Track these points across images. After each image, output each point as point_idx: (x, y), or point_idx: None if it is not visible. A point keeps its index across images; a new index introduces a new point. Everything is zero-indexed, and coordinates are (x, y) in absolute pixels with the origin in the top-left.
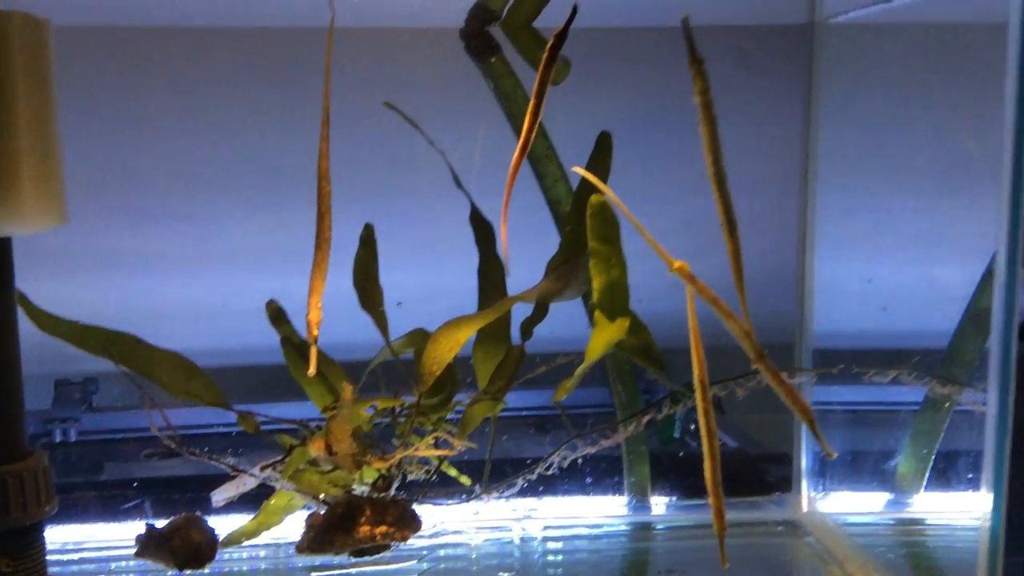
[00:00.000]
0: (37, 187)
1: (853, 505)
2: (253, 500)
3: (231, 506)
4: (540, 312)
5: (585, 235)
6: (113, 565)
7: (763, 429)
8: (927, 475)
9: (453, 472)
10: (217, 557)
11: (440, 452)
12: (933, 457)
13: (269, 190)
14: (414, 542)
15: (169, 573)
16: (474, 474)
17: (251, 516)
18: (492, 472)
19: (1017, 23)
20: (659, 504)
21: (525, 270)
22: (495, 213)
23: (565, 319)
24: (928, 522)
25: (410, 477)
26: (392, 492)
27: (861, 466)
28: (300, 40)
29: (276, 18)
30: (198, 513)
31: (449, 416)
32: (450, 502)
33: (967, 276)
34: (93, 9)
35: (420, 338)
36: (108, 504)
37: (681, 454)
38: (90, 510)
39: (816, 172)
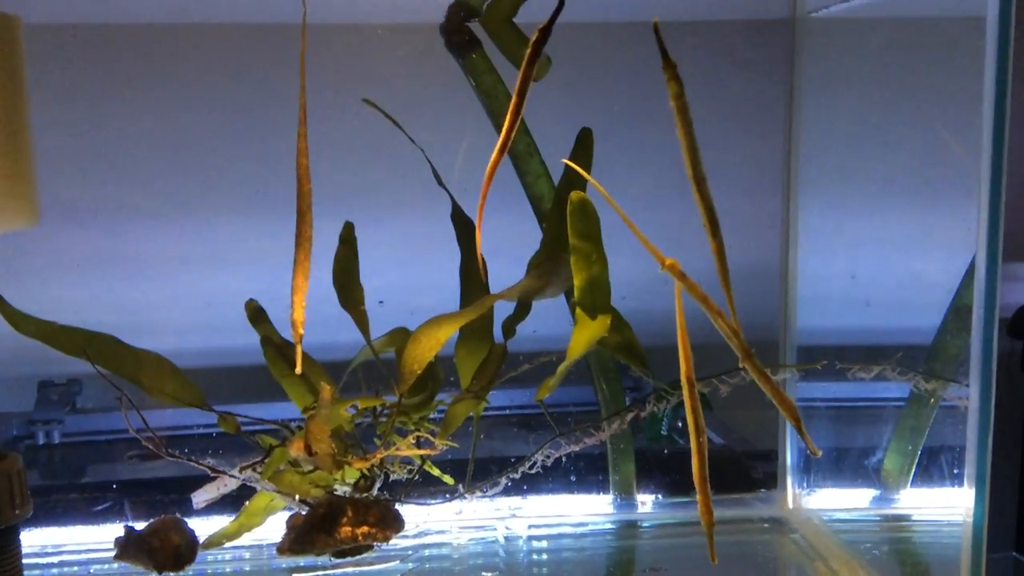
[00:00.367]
0: (6, 186)
1: (838, 501)
2: (235, 501)
3: (213, 507)
4: (522, 310)
5: (566, 232)
6: (93, 568)
7: (748, 426)
8: (912, 471)
9: (436, 471)
10: (199, 559)
11: (422, 451)
12: (919, 453)
13: (252, 189)
14: (397, 542)
15: (151, 575)
16: (458, 474)
17: (233, 517)
18: (477, 471)
19: (995, 17)
20: (645, 502)
21: (508, 268)
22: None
23: (549, 317)
24: (914, 518)
25: (393, 477)
26: (374, 492)
27: (846, 463)
28: (284, 36)
29: (260, 14)
30: (177, 515)
31: (432, 415)
32: (433, 502)
33: (951, 271)
34: (73, 6)
35: (401, 337)
36: (90, 506)
37: (666, 451)
38: (71, 512)
39: (799, 168)
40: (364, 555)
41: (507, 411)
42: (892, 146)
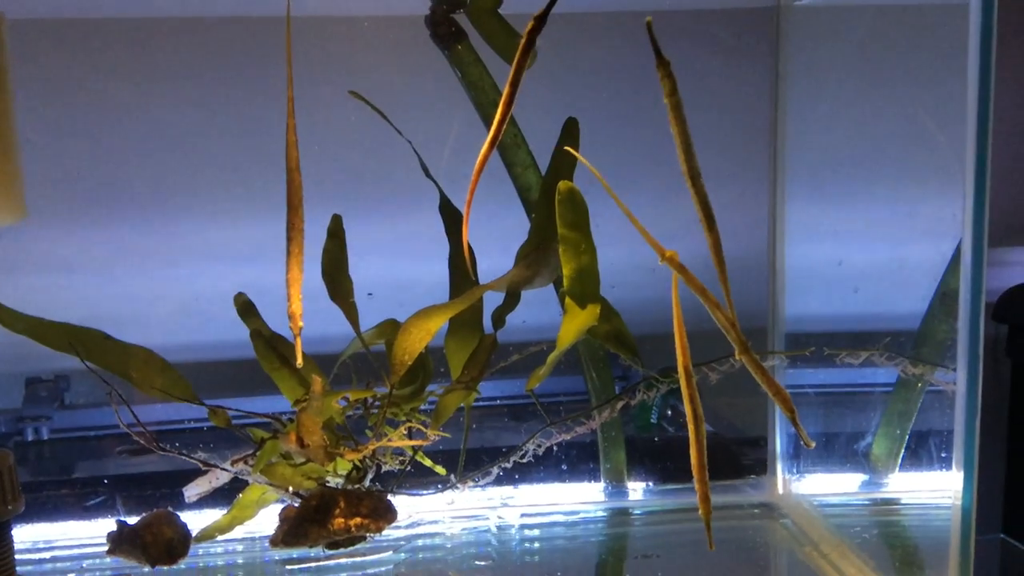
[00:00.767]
0: None
1: (828, 486)
2: (227, 495)
3: (205, 501)
4: (512, 300)
5: (554, 222)
6: (86, 563)
7: (738, 413)
8: (901, 456)
9: (428, 462)
10: (191, 552)
11: (414, 442)
12: (907, 438)
13: (240, 183)
14: (390, 533)
15: (144, 570)
16: (450, 464)
17: (225, 511)
18: (469, 461)
19: (978, 3)
20: (635, 490)
21: (497, 259)
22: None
23: (539, 308)
24: (902, 502)
25: (385, 468)
26: (367, 483)
27: (835, 448)
28: (270, 30)
29: (246, 8)
30: (170, 509)
31: (423, 407)
32: (425, 492)
33: (937, 257)
34: (58, 1)
35: (391, 328)
36: (81, 502)
37: (656, 439)
38: (62, 508)
39: (785, 156)
40: (357, 546)
41: (498, 401)
42: (878, 133)
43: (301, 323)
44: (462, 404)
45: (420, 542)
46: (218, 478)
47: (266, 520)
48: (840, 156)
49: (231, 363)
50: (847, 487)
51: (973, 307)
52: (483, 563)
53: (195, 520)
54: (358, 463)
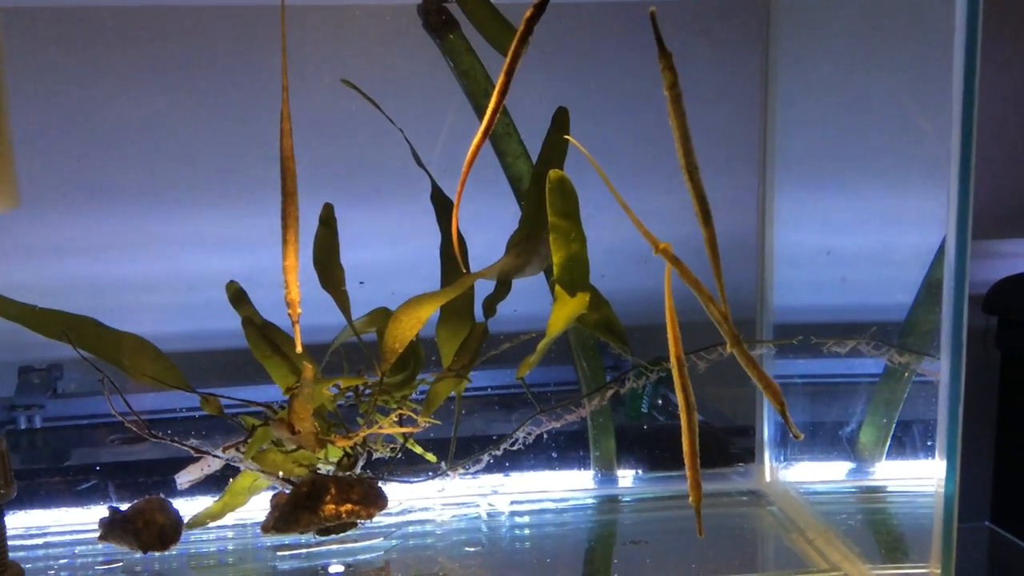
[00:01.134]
0: None
1: (815, 474)
2: (219, 482)
3: (197, 488)
4: (502, 289)
5: (545, 211)
6: (78, 549)
7: (726, 402)
8: (887, 444)
9: (418, 450)
10: (183, 539)
11: (405, 430)
12: (893, 426)
13: (232, 172)
14: (381, 519)
15: (136, 556)
16: (441, 452)
17: (217, 497)
18: (459, 449)
19: None
20: (625, 477)
21: (489, 248)
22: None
23: (530, 297)
24: (889, 489)
25: (375, 455)
26: (357, 470)
27: (822, 437)
28: (262, 18)
29: None
30: (162, 496)
31: (414, 395)
32: (416, 479)
33: (924, 247)
34: None
35: (382, 317)
36: (73, 489)
37: (646, 427)
38: (55, 495)
39: (774, 146)
40: (348, 532)
41: (489, 390)
42: (866, 123)
43: (300, 310)
44: (453, 392)
45: (411, 529)
46: (210, 465)
47: (257, 507)
48: (829, 145)
49: (223, 351)
50: (834, 475)
51: (956, 294)
52: (473, 550)
53: (187, 507)
54: (349, 450)
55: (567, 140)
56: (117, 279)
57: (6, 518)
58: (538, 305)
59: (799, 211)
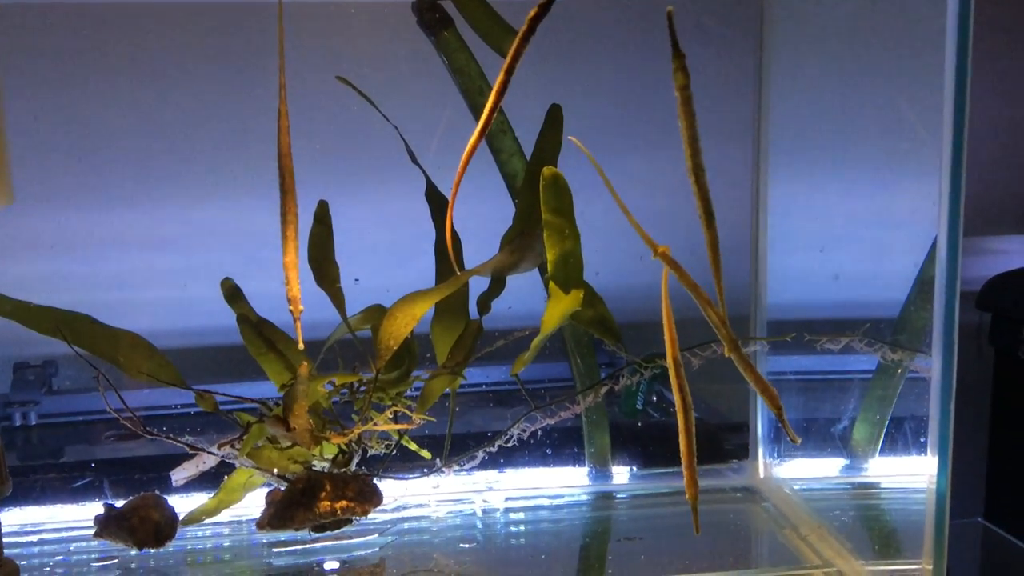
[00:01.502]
0: None
1: (808, 471)
2: (214, 479)
3: (192, 485)
4: (497, 286)
5: (539, 207)
6: (73, 546)
7: (720, 398)
8: (880, 440)
9: (413, 446)
10: (179, 535)
11: (399, 426)
12: (886, 423)
13: (227, 170)
14: (376, 516)
15: (132, 553)
16: (436, 448)
17: (212, 494)
18: (454, 446)
19: None
20: (620, 473)
21: (484, 245)
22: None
23: (525, 294)
24: (882, 486)
25: (370, 452)
26: (352, 467)
27: (815, 433)
28: (257, 15)
29: None
30: (157, 492)
31: (409, 392)
32: (411, 476)
33: (917, 244)
34: None
35: (377, 313)
36: (68, 486)
37: (640, 424)
38: (50, 492)
39: (768, 142)
40: (343, 529)
41: (483, 387)
42: (859, 120)
43: (302, 307)
44: (447, 389)
45: (406, 525)
46: (205, 462)
47: (253, 503)
48: (823, 142)
49: (218, 348)
50: (827, 471)
51: (949, 292)
52: (468, 546)
53: (182, 504)
54: (344, 447)
55: (560, 137)
56: (112, 275)
57: (1, 515)
58: (532, 302)
59: (792, 208)
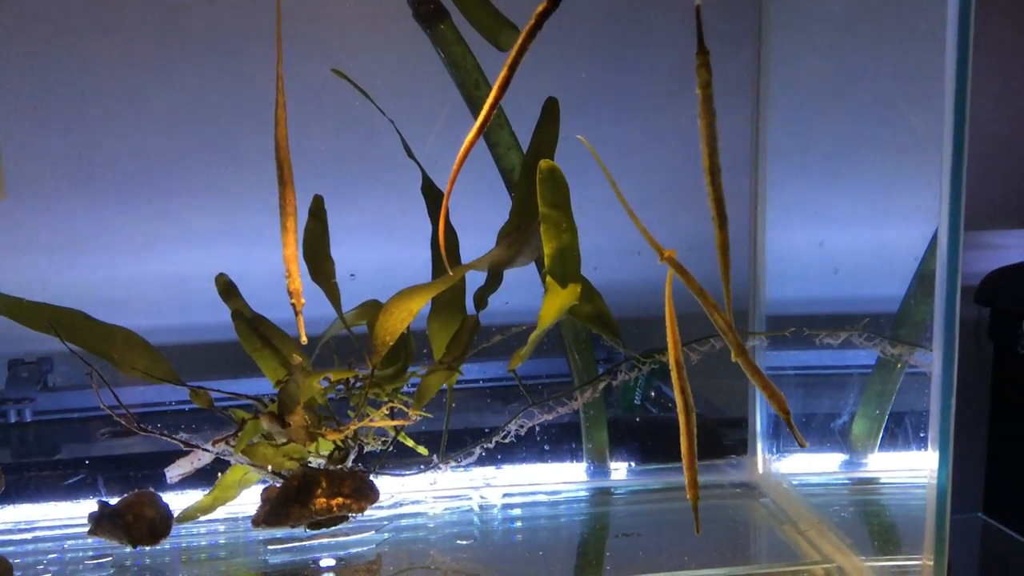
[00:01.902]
0: None
1: (807, 466)
2: (209, 476)
3: (187, 482)
4: (494, 281)
5: (535, 201)
6: (67, 543)
7: (719, 394)
8: (880, 435)
9: (410, 443)
10: (173, 533)
11: (396, 423)
12: (886, 418)
13: (222, 166)
14: (372, 513)
15: (126, 550)
16: (433, 445)
17: (207, 491)
18: (451, 442)
19: None
20: (618, 469)
21: (481, 240)
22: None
23: (522, 289)
24: (881, 481)
25: (367, 449)
26: (349, 464)
27: (815, 428)
28: (251, 8)
29: None
30: (152, 489)
31: (405, 388)
32: (408, 472)
33: (917, 239)
34: None
35: (373, 309)
36: (63, 483)
37: (638, 420)
38: (44, 489)
39: (767, 138)
40: (339, 526)
41: (480, 383)
42: (859, 114)
43: (303, 300)
44: (444, 385)
45: (403, 522)
46: (200, 459)
47: (248, 500)
48: (821, 138)
49: (213, 345)
50: (827, 467)
51: (949, 287)
52: (465, 543)
53: (177, 501)
54: (340, 443)
55: (557, 131)
56: (106, 272)
57: None
58: (530, 297)
59: (791, 203)
